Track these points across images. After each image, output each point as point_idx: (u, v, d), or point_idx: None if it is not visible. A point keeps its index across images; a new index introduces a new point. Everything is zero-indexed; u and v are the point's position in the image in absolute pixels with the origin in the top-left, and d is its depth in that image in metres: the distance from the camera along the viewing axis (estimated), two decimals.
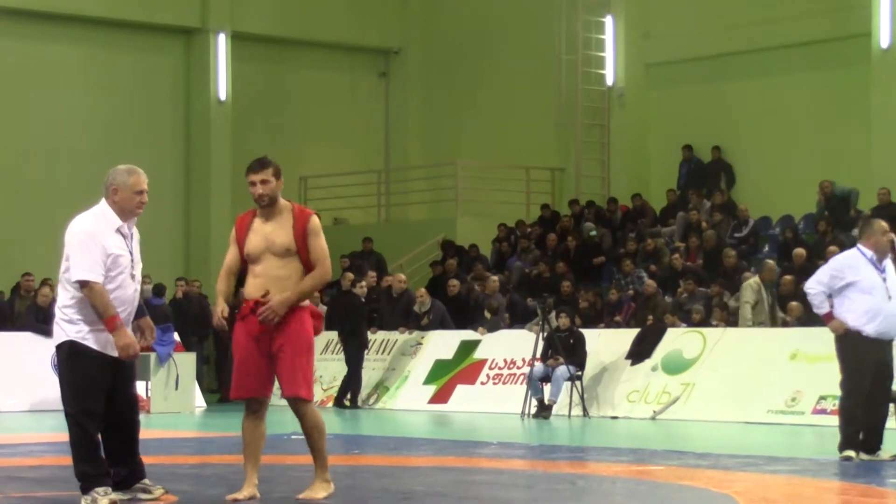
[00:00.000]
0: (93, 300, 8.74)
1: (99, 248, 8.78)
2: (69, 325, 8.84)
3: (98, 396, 8.83)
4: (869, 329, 12.12)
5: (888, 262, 12.21)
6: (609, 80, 28.35)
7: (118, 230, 8.95)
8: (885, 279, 12.14)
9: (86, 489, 8.80)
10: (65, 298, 8.87)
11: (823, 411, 17.64)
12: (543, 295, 21.13)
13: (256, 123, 29.95)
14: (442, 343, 22.48)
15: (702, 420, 18.43)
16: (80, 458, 8.84)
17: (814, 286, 12.39)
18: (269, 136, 30.19)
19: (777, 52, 26.04)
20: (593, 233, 25.72)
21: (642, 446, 14.27)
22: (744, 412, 18.38)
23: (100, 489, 8.80)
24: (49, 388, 21.77)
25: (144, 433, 12.24)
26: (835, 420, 17.08)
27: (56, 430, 17.45)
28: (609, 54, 28.33)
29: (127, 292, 8.93)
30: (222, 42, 29.09)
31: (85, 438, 8.84)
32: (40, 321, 22.33)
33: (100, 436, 8.95)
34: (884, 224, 12.36)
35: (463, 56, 30.99)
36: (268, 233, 9.19)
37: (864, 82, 24.25)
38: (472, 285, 24.25)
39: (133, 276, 8.97)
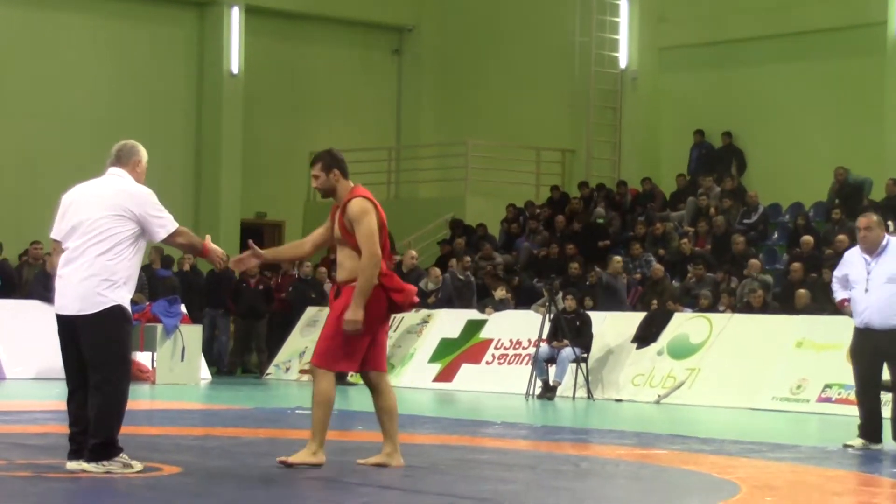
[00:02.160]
0: (189, 239, 9.11)
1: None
2: (115, 290, 8.87)
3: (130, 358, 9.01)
4: (857, 321, 12.32)
5: (884, 256, 12.19)
6: (622, 63, 28.30)
7: None
8: (869, 272, 12.20)
9: (111, 454, 8.81)
10: (112, 263, 8.87)
11: (828, 399, 17.64)
12: (550, 276, 21.12)
13: (268, 98, 29.93)
14: (448, 322, 22.49)
15: (706, 405, 18.44)
16: (114, 423, 8.84)
17: (833, 277, 12.72)
18: (281, 110, 30.20)
19: (791, 39, 25.97)
20: (601, 220, 25.67)
21: (646, 430, 14.28)
22: (749, 398, 18.38)
23: (124, 455, 8.86)
24: (55, 356, 21.80)
25: (150, 404, 12.32)
26: (840, 408, 17.18)
27: (61, 399, 17.49)
28: (623, 37, 28.28)
29: (140, 262, 9.13)
30: (236, 15, 29.05)
31: (123, 403, 8.90)
32: (48, 289, 22.35)
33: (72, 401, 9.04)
34: (864, 219, 12.44)
35: (476, 35, 30.93)
36: (335, 222, 9.59)
37: (879, 71, 24.18)
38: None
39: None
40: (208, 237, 9.36)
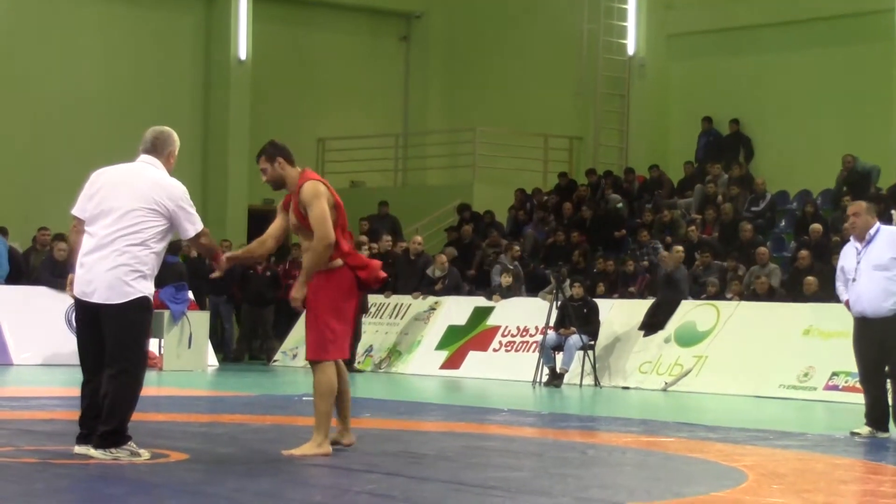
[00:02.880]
0: (211, 242, 9.35)
1: None
2: (142, 281, 8.94)
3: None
4: (853, 310, 12.38)
5: (872, 244, 12.18)
6: (630, 50, 28.26)
7: None
8: (858, 261, 12.21)
9: (120, 442, 8.86)
10: (142, 254, 8.94)
11: (835, 387, 17.63)
12: (558, 264, 21.11)
13: (276, 84, 29.92)
14: (455, 309, 22.49)
15: (713, 393, 18.44)
16: (127, 412, 8.90)
17: (837, 270, 12.75)
18: (288, 97, 30.18)
19: (799, 26, 25.92)
20: (620, 205, 25.59)
21: (653, 417, 14.28)
22: (756, 386, 18.38)
23: (132, 444, 8.89)
24: (63, 342, 21.92)
25: (157, 391, 12.33)
26: (847, 396, 17.17)
27: (69, 385, 17.52)
28: (631, 24, 28.24)
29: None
30: (243, 2, 29.01)
31: (137, 393, 8.98)
32: (55, 275, 22.39)
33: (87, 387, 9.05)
34: (853, 206, 12.50)
35: (484, 22, 30.90)
36: (289, 211, 9.67)
37: (887, 59, 24.13)
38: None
39: None
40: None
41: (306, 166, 9.90)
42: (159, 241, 9.01)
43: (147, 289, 8.97)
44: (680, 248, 21.37)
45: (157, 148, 9.21)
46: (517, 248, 23.01)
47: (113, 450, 8.81)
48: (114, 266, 8.88)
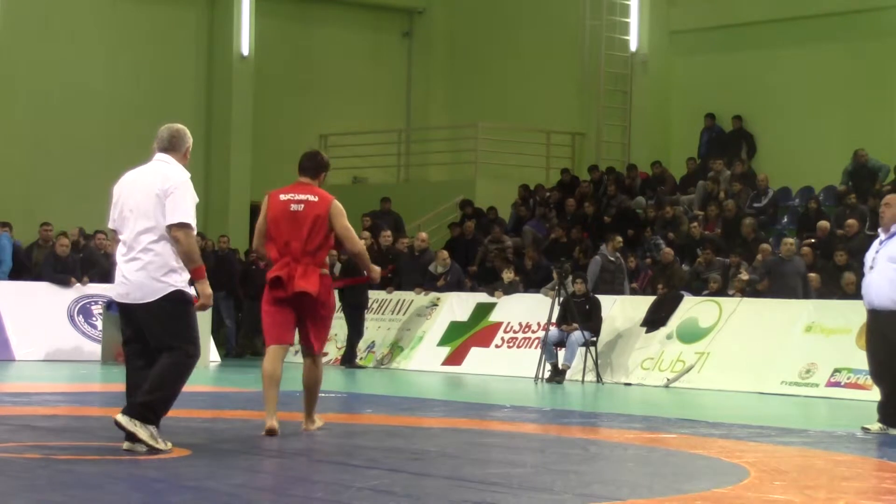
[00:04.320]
0: (189, 245, 9.05)
1: (194, 199, 9.15)
2: (172, 275, 9.05)
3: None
4: (865, 301, 12.36)
5: (895, 238, 12.17)
6: (633, 47, 28.25)
7: None
8: (878, 251, 12.20)
9: (148, 420, 8.96)
10: (165, 250, 9.03)
11: (838, 384, 17.62)
12: (561, 259, 21.10)
13: (278, 80, 29.92)
14: (457, 305, 22.49)
15: (715, 389, 18.43)
16: (169, 388, 9.02)
17: None
18: (291, 93, 30.19)
19: (803, 23, 25.91)
20: (640, 210, 25.36)
21: (655, 414, 14.27)
22: (758, 383, 18.37)
23: (155, 430, 8.99)
24: (64, 338, 21.94)
25: None
26: (849, 393, 17.17)
27: (71, 381, 17.53)
28: (633, 20, 28.23)
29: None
30: None
31: (184, 374, 9.09)
32: (58, 271, 22.40)
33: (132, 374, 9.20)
34: (889, 196, 12.47)
35: (487, 18, 30.90)
36: None
37: (890, 55, 24.12)
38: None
39: None
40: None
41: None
42: None
43: (179, 282, 9.06)
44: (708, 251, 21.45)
45: (174, 146, 9.32)
46: (619, 238, 21.94)
47: (138, 423, 8.89)
48: (142, 266, 9.05)
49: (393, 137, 31.04)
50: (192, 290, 9.18)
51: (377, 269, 11.00)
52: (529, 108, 29.73)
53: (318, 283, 10.37)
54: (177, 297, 9.04)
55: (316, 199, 10.50)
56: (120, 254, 9.19)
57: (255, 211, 29.03)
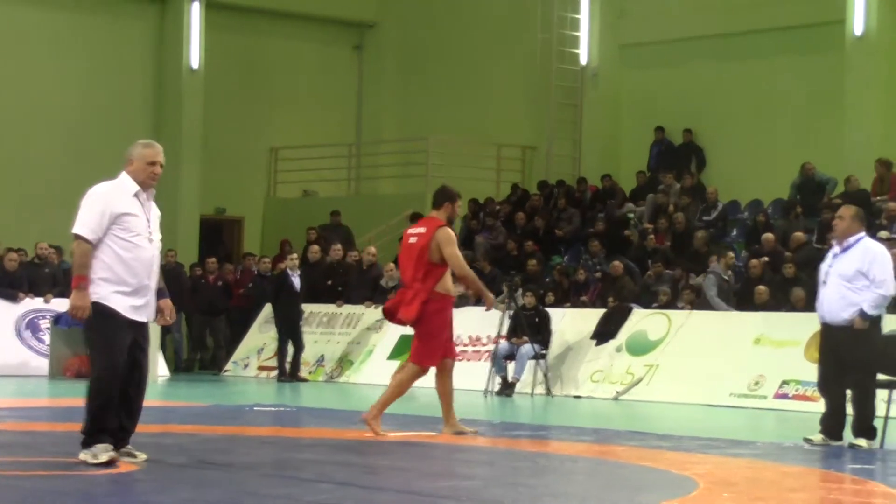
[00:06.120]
0: (76, 254, 9.12)
1: (102, 209, 9.08)
2: (94, 287, 9.07)
3: (121, 355, 9.07)
4: (818, 315, 12.39)
5: (849, 252, 12.21)
6: (583, 60, 28.33)
7: (135, 195, 9.27)
8: (831, 266, 12.25)
9: (88, 443, 9.02)
10: (95, 262, 9.09)
11: (786, 396, 17.72)
12: (511, 273, 21.12)
13: (228, 93, 29.83)
14: None
15: (665, 402, 18.49)
16: (96, 412, 9.03)
17: None
18: (241, 105, 30.10)
19: (752, 37, 26.05)
20: (632, 215, 25.28)
21: (605, 426, 14.30)
22: (707, 395, 18.44)
23: (100, 445, 8.99)
24: (13, 353, 21.77)
25: None
26: (797, 405, 17.25)
27: (18, 396, 17.39)
28: (584, 34, 28.31)
29: (144, 255, 9.18)
30: (196, 10, 28.91)
31: (106, 395, 9.04)
32: (5, 285, 22.25)
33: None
34: (844, 208, 12.52)
35: (438, 31, 30.92)
36: None
37: (839, 69, 24.28)
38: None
39: (151, 241, 9.25)
40: (89, 285, 9.11)
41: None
42: (104, 243, 9.06)
43: (97, 293, 9.05)
44: (731, 254, 21.25)
45: (126, 159, 9.45)
46: (731, 254, 21.31)
47: (86, 451, 9.01)
48: None
49: (343, 151, 31.00)
50: (120, 303, 9.06)
51: (490, 296, 12.35)
52: (480, 121, 29.77)
53: (416, 311, 11.78)
54: (94, 309, 9.05)
55: (424, 230, 11.94)
56: None
57: (204, 224, 28.99)
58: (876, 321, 12.14)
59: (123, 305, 9.07)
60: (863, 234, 12.27)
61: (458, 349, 21.49)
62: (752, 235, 22.99)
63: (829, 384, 12.31)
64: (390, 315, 12.16)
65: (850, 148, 23.77)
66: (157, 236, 9.36)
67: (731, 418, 16.60)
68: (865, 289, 11.98)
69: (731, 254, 21.42)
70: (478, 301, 22.71)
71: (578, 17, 28.31)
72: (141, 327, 9.21)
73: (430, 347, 11.96)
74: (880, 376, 12.41)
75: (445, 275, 11.96)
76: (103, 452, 8.97)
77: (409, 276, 11.91)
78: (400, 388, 12.19)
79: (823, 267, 12.37)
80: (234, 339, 24.41)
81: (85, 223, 9.04)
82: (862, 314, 11.97)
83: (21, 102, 27.58)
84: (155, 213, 9.45)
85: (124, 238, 9.09)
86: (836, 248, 12.36)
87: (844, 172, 23.03)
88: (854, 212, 12.35)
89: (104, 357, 9.08)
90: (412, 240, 11.94)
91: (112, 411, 9.08)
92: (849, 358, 12.10)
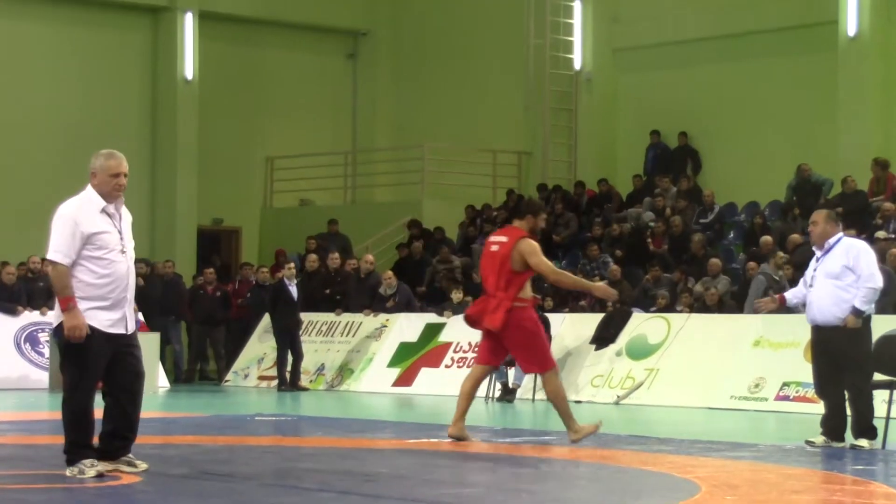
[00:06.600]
0: (54, 279, 9.02)
1: (73, 231, 8.97)
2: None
3: (94, 371, 9.01)
4: (807, 318, 12.40)
5: (830, 253, 12.24)
6: (577, 65, 28.34)
7: (103, 210, 9.12)
8: (815, 269, 12.28)
9: (72, 461, 8.98)
10: (75, 281, 9.02)
11: (786, 398, 17.71)
12: None
13: (223, 103, 29.83)
14: (407, 326, 22.46)
15: (665, 405, 18.48)
16: (71, 428, 9.01)
17: None
18: (236, 116, 30.11)
19: (746, 39, 26.07)
20: (652, 223, 25.24)
21: (605, 431, 14.26)
22: (707, 398, 18.43)
23: (86, 461, 8.95)
24: (12, 366, 21.75)
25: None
26: (798, 406, 17.24)
27: (19, 409, 17.37)
28: (577, 38, 28.32)
29: (119, 269, 9.10)
30: (189, 21, 28.93)
31: (79, 410, 9.02)
32: (4, 299, 22.23)
33: (104, 405, 9.20)
34: (815, 213, 12.55)
35: (431, 39, 30.94)
36: None
37: (833, 70, 24.29)
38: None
39: (124, 252, 9.14)
40: (77, 303, 9.03)
41: None
42: (78, 262, 8.99)
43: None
44: (781, 253, 20.86)
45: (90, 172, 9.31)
46: (781, 254, 20.81)
47: (72, 468, 8.96)
48: None
49: (339, 159, 31.00)
50: (98, 318, 9.03)
51: (599, 285, 12.89)
52: (475, 127, 29.77)
53: (501, 319, 11.91)
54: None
55: (506, 238, 12.14)
56: None
57: (201, 234, 29.00)
58: (866, 320, 12.17)
59: (101, 321, 9.03)
60: (840, 233, 12.34)
61: (458, 356, 21.74)
62: (749, 238, 22.99)
63: (826, 386, 12.31)
64: (473, 322, 12.35)
65: (846, 149, 23.77)
66: (131, 245, 9.25)
67: (732, 421, 16.60)
68: (854, 284, 12.03)
69: (781, 253, 21.10)
70: (408, 305, 22.77)
71: (571, 21, 28.33)
72: (124, 336, 9.17)
73: (538, 350, 12.16)
74: (881, 377, 12.42)
75: (527, 283, 12.22)
76: (90, 468, 8.94)
77: (491, 284, 12.15)
78: (558, 395, 12.25)
79: (808, 271, 12.42)
80: (233, 349, 24.40)
81: (57, 248, 8.97)
82: (854, 311, 12.00)
83: (16, 115, 27.57)
84: (126, 219, 9.28)
85: (98, 256, 9.01)
86: (817, 252, 12.42)
87: (840, 173, 23.04)
88: (826, 214, 12.45)
89: (77, 373, 9.04)
90: (494, 248, 12.18)
91: (88, 426, 9.06)
92: (842, 358, 12.12)
